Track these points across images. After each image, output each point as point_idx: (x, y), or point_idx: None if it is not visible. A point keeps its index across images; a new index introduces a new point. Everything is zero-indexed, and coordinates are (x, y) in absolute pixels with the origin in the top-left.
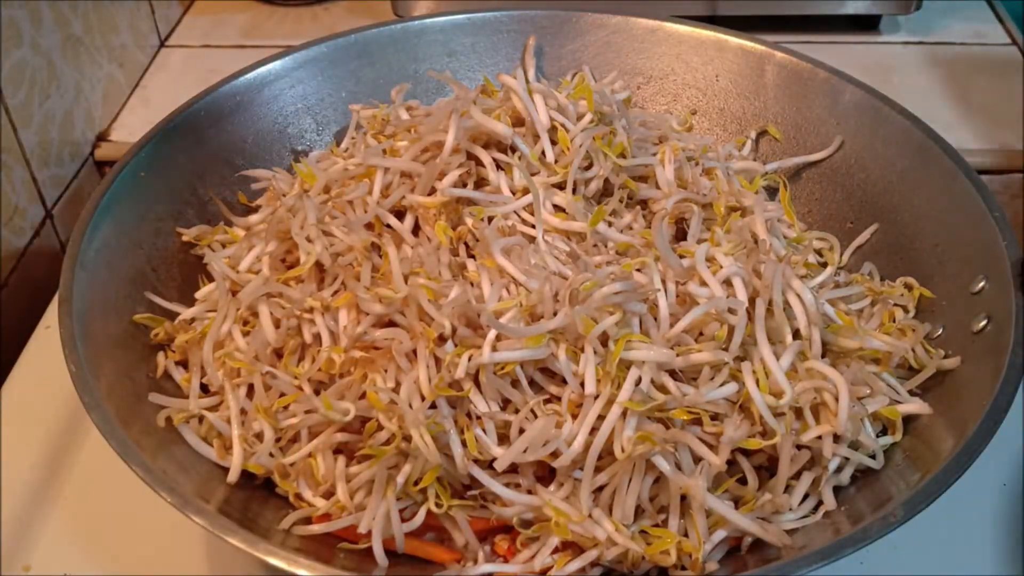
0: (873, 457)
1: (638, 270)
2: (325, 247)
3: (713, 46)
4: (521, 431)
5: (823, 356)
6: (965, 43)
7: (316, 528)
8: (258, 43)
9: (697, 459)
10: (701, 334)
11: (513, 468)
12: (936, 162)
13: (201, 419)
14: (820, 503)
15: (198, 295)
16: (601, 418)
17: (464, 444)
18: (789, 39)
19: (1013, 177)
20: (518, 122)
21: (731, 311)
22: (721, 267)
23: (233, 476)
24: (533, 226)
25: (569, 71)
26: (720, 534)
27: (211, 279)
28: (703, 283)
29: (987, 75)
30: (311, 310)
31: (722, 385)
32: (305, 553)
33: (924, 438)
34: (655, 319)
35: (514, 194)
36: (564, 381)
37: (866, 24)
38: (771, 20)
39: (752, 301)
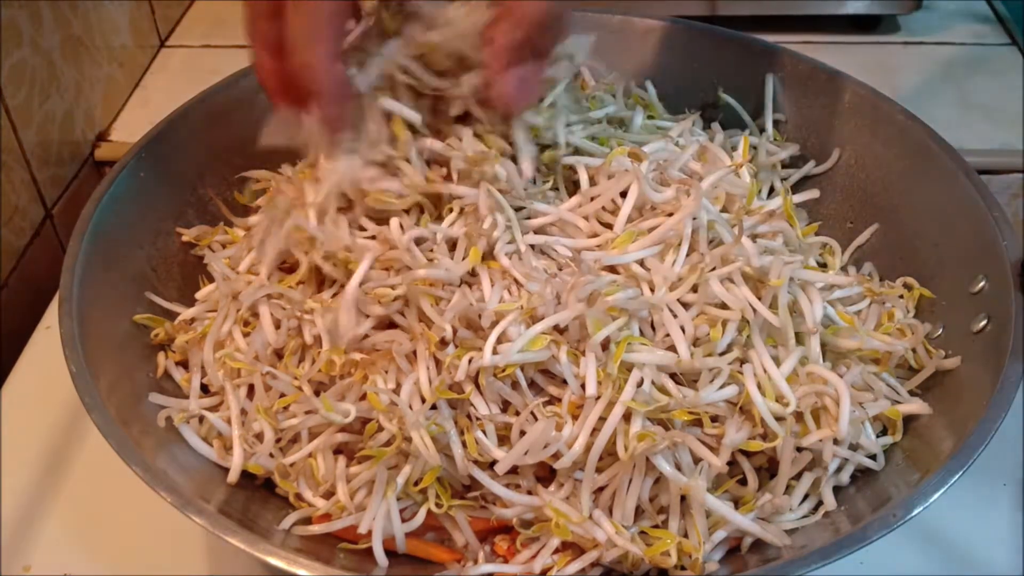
0: (874, 458)
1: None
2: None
3: (713, 46)
4: (522, 433)
5: (822, 356)
6: (965, 43)
7: (316, 528)
8: None
9: (697, 460)
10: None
11: (513, 469)
12: (936, 162)
13: (201, 419)
14: (820, 503)
15: (198, 295)
16: (602, 420)
17: (464, 445)
18: (789, 39)
19: (1013, 177)
20: None
21: (732, 311)
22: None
23: (233, 476)
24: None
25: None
26: (720, 534)
27: (211, 279)
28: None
29: (987, 75)
30: (311, 311)
31: (722, 387)
32: (305, 553)
33: (924, 438)
34: (652, 322)
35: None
36: (564, 383)
37: (866, 24)
38: (771, 20)
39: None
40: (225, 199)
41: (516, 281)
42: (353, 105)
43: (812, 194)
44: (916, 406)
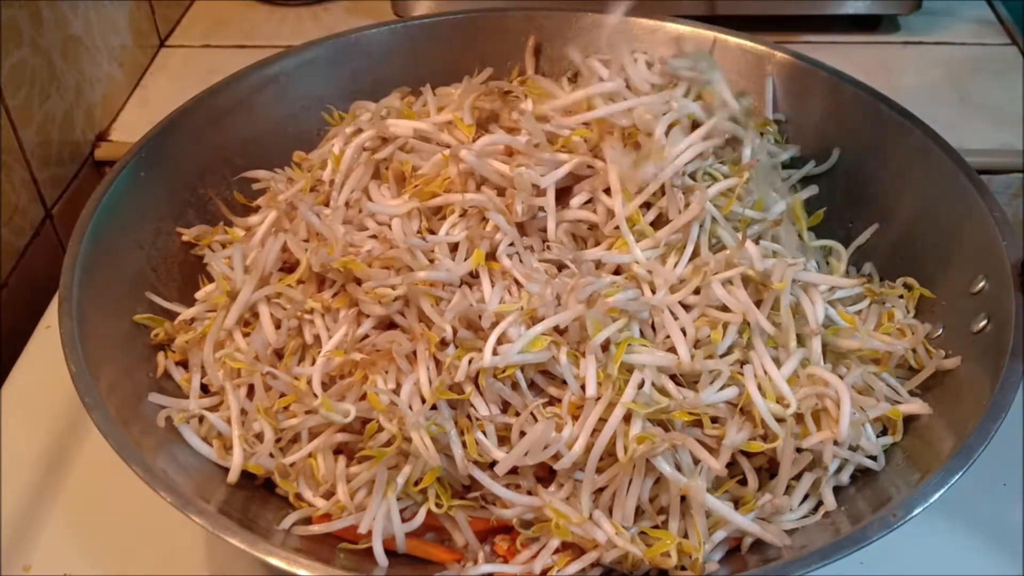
0: (874, 459)
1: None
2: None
3: (713, 46)
4: (522, 434)
5: (823, 356)
6: (965, 43)
7: (316, 528)
8: (258, 43)
9: (697, 460)
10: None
11: (513, 469)
12: (936, 162)
13: (201, 419)
14: (820, 503)
15: (198, 295)
16: (602, 421)
17: (464, 446)
18: (789, 39)
19: (1013, 177)
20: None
21: (733, 313)
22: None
23: (233, 476)
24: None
25: (569, 71)
26: (720, 534)
27: (211, 279)
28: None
29: (987, 75)
30: (311, 311)
31: (723, 389)
32: (305, 553)
33: (924, 438)
34: (653, 324)
35: None
36: (564, 383)
37: (866, 24)
38: (771, 20)
39: (757, 304)
40: (225, 199)
41: (516, 282)
42: None
43: (811, 190)
44: (916, 406)
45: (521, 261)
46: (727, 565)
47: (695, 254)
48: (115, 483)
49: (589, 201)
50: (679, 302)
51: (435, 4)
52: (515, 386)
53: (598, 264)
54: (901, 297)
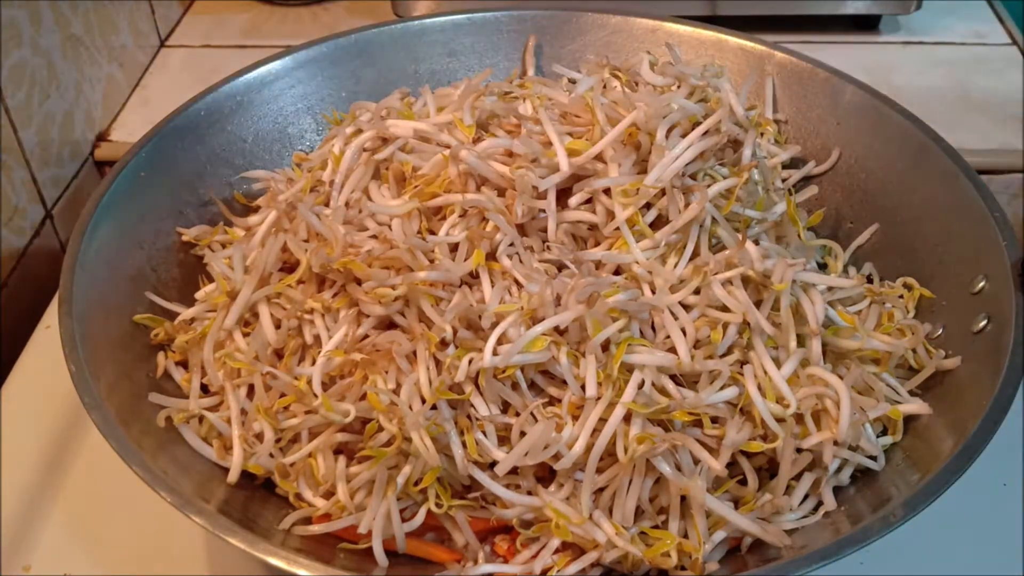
0: (874, 459)
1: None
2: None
3: (713, 46)
4: (522, 434)
5: (823, 356)
6: (965, 43)
7: (316, 528)
8: (258, 43)
9: (697, 460)
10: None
11: (513, 469)
12: (936, 162)
13: (201, 419)
14: (820, 503)
15: (198, 295)
16: (603, 421)
17: (464, 446)
18: (789, 39)
19: (1013, 177)
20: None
21: (733, 313)
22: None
23: (233, 476)
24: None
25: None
26: (720, 534)
27: (211, 279)
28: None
29: (987, 75)
30: (311, 311)
31: (723, 389)
32: (305, 553)
33: (924, 438)
34: (653, 324)
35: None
36: (564, 384)
37: (866, 24)
38: (771, 20)
39: (757, 304)
40: (225, 199)
41: (516, 282)
42: None
43: (811, 191)
44: (916, 406)
45: (521, 261)
46: (727, 565)
47: (695, 254)
48: (115, 483)
49: (589, 201)
50: (679, 302)
51: (435, 4)
52: (515, 386)
53: (598, 264)
54: (901, 297)
